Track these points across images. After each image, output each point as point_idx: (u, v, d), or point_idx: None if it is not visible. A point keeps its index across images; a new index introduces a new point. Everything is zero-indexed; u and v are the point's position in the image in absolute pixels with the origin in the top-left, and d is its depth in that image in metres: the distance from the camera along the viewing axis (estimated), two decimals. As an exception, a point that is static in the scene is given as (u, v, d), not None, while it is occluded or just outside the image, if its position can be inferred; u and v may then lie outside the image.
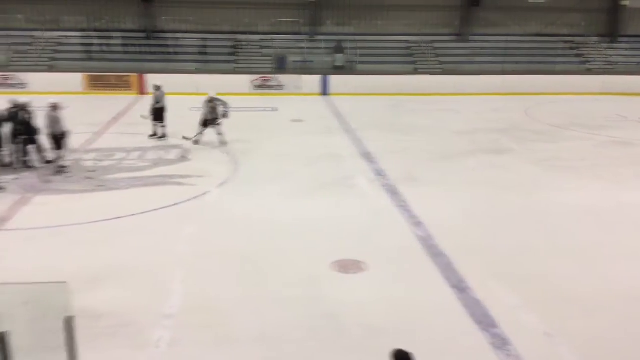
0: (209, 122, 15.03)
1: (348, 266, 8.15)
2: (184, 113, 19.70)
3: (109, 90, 23.87)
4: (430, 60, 27.57)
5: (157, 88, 16.12)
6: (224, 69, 25.47)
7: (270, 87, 24.52)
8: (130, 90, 23.86)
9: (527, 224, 9.92)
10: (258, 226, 9.57)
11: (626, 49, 28.80)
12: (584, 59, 28.19)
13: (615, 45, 29.10)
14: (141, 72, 24.20)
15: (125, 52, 26.37)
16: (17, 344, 4.14)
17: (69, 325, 4.26)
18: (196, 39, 27.23)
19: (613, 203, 11.02)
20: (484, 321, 6.76)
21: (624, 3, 28.55)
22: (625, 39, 29.27)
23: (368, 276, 7.92)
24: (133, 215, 10.01)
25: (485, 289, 7.49)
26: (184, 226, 9.56)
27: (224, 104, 15.12)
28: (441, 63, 27.40)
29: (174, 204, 10.57)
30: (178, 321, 6.71)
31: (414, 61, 27.49)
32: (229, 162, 13.50)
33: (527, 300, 7.29)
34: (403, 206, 10.67)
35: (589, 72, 27.18)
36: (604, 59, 28.20)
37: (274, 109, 21.02)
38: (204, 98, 15.39)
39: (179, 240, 8.98)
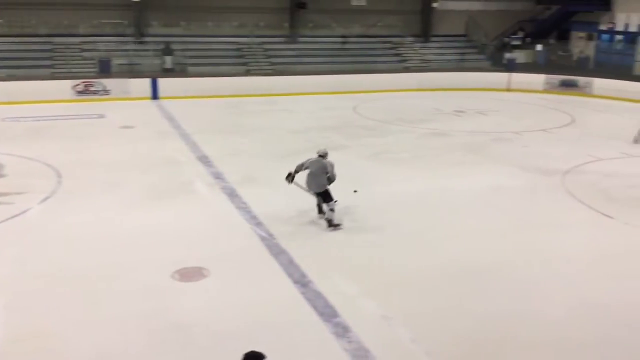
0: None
1: (190, 274, 7.97)
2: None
3: None
4: (262, 62, 27.87)
5: None
6: (40, 75, 23.40)
7: (94, 93, 23.02)
8: None
9: (362, 215, 10.44)
10: (91, 243, 8.96)
11: (437, 48, 31.50)
12: (401, 58, 30.31)
13: (428, 44, 31.69)
14: None
15: None
16: None
17: None
18: (7, 42, 24.71)
19: (436, 189, 12.02)
20: (326, 312, 7.02)
21: (434, 5, 31.21)
22: (436, 39, 32.00)
23: (211, 282, 7.82)
24: (-61, 242, 8.85)
25: (326, 282, 7.77)
26: (2, 249, 8.65)
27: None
28: (272, 64, 27.82)
29: (-10, 226, 9.53)
30: (2, 352, 6.07)
31: (245, 62, 27.59)
32: (52, 176, 12.45)
33: (366, 288, 7.70)
34: (243, 208, 10.68)
35: (406, 70, 29.27)
36: (419, 58, 30.59)
37: (101, 116, 19.78)
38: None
39: (-2, 265, 8.11)
